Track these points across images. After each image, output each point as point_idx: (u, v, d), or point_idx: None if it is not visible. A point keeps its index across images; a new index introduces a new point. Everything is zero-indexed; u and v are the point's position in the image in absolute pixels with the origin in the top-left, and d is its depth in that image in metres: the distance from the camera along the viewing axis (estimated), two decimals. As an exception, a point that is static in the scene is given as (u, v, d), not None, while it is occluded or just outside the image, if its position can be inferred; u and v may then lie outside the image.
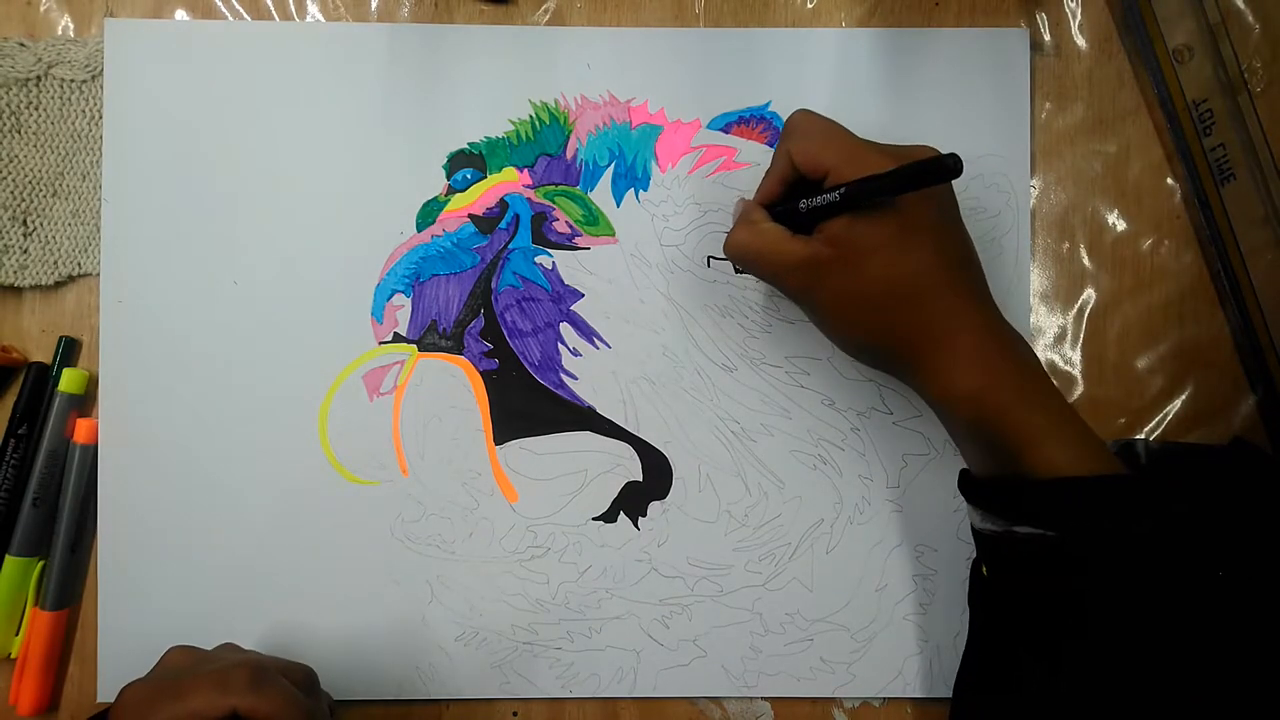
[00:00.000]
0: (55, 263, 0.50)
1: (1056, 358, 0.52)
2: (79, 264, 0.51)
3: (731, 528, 0.51)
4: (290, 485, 0.50)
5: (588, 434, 0.51)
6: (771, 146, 0.51)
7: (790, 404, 0.51)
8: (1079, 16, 0.52)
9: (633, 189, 0.51)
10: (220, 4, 0.51)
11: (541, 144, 0.51)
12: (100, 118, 0.50)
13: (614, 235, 0.51)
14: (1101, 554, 0.37)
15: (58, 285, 0.51)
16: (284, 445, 0.50)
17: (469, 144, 0.51)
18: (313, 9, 0.51)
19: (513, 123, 0.51)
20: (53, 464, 0.49)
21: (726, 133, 0.51)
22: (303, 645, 0.50)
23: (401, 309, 0.51)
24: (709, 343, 0.51)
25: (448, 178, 0.51)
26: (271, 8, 0.51)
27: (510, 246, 0.51)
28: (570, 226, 0.51)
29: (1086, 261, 0.52)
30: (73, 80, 0.50)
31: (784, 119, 0.51)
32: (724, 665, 0.51)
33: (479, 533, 0.51)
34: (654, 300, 0.51)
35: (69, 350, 0.50)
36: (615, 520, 0.51)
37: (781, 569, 0.51)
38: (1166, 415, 0.52)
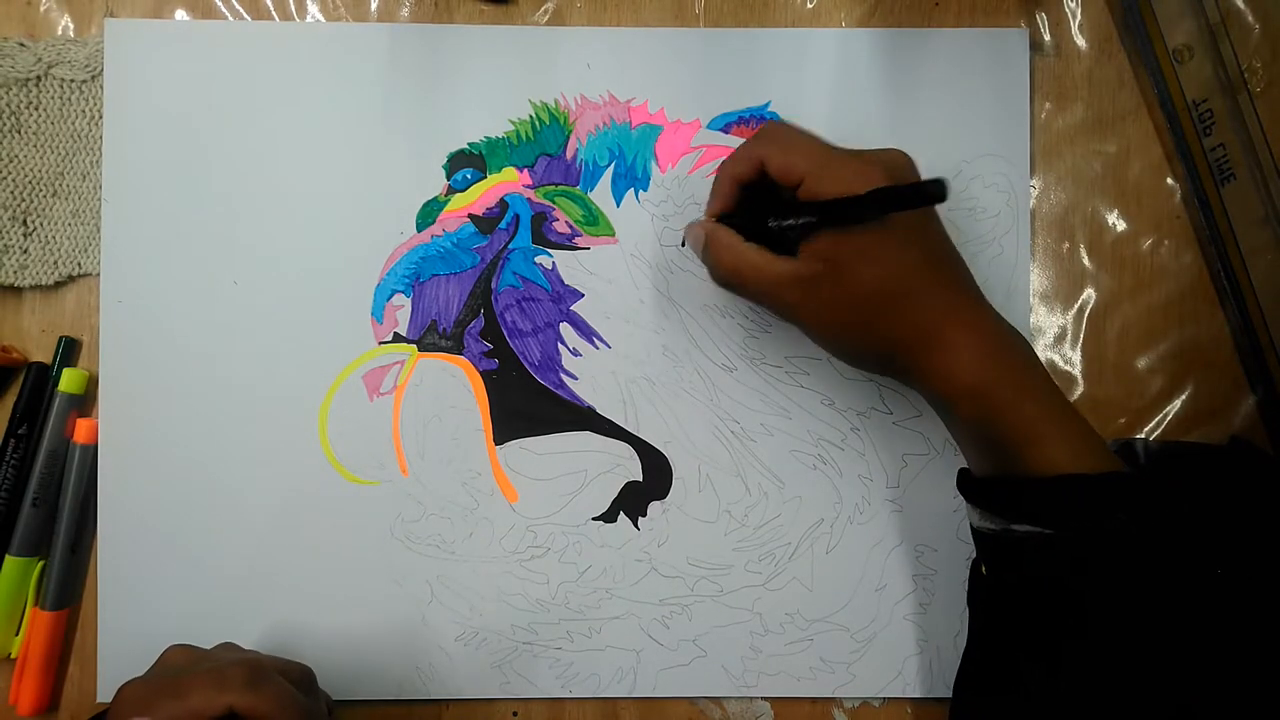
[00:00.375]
0: (55, 263, 0.50)
1: (1056, 358, 0.52)
2: (79, 264, 0.51)
3: (731, 528, 0.51)
4: (290, 485, 0.50)
5: (588, 434, 0.51)
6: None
7: (790, 404, 0.51)
8: (1079, 16, 0.52)
9: (633, 189, 0.51)
10: (220, 4, 0.51)
11: (541, 144, 0.51)
12: (100, 118, 0.50)
13: (614, 235, 0.51)
14: (1100, 552, 0.37)
15: (58, 285, 0.51)
16: (284, 445, 0.50)
17: (469, 144, 0.51)
18: (313, 9, 0.51)
19: (513, 123, 0.51)
20: (53, 464, 0.49)
21: (726, 133, 0.51)
22: (303, 645, 0.50)
23: (401, 309, 0.51)
24: (709, 343, 0.51)
25: (448, 178, 0.51)
26: (271, 8, 0.51)
27: (510, 246, 0.51)
28: (570, 226, 0.51)
29: (1086, 261, 0.52)
30: (73, 80, 0.50)
31: (784, 119, 0.51)
32: (724, 665, 0.51)
33: (479, 533, 0.51)
34: (654, 300, 0.51)
35: (69, 350, 0.50)
36: (615, 520, 0.51)
37: (781, 569, 0.51)
38: (1166, 415, 0.52)
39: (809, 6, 0.52)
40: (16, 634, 0.50)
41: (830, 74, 0.51)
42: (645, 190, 0.51)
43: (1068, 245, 0.52)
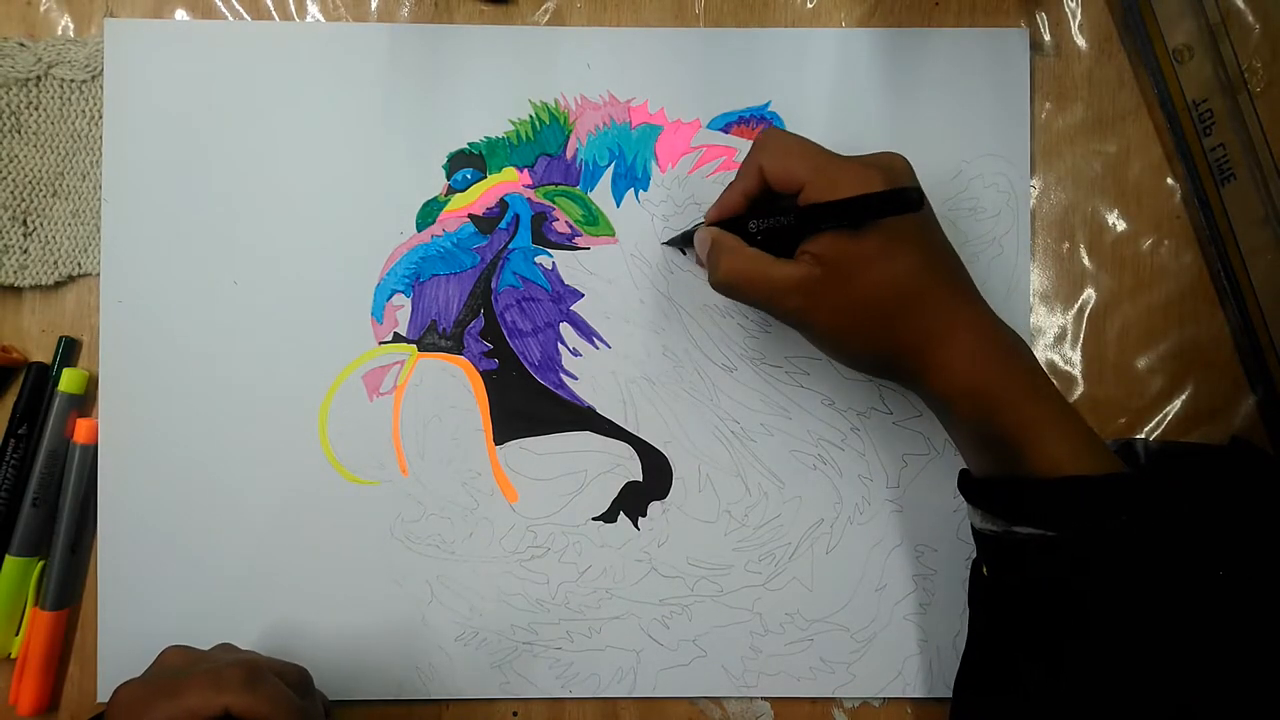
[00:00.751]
0: (55, 263, 0.50)
1: (1056, 358, 0.52)
2: (79, 264, 0.51)
3: (731, 528, 0.51)
4: (290, 485, 0.50)
5: (588, 434, 0.51)
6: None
7: (790, 404, 0.51)
8: (1079, 16, 0.52)
9: (633, 189, 0.51)
10: (220, 4, 0.51)
11: (541, 144, 0.51)
12: (100, 118, 0.50)
13: (614, 235, 0.51)
14: (1102, 553, 0.37)
15: (58, 285, 0.51)
16: (284, 445, 0.50)
17: (469, 144, 0.51)
18: (313, 9, 0.51)
19: (513, 123, 0.51)
20: (53, 464, 0.49)
21: (726, 133, 0.51)
22: (303, 645, 0.50)
23: (401, 309, 0.51)
24: (709, 343, 0.51)
25: (448, 178, 0.51)
26: (271, 8, 0.51)
27: (510, 246, 0.51)
28: (570, 226, 0.51)
29: (1086, 261, 0.52)
30: (73, 80, 0.50)
31: (784, 119, 0.51)
32: (724, 665, 0.51)
33: (479, 533, 0.51)
34: (654, 300, 0.51)
35: (69, 350, 0.50)
36: (615, 520, 0.51)
37: (781, 569, 0.51)
38: (1166, 415, 0.52)
39: (809, 6, 0.52)
40: (16, 634, 0.50)
41: (830, 74, 0.51)
42: (645, 190, 0.51)
43: (1068, 245, 0.52)
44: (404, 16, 0.51)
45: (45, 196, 0.51)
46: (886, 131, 0.51)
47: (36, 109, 0.50)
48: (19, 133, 0.50)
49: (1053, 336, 0.52)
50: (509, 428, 0.51)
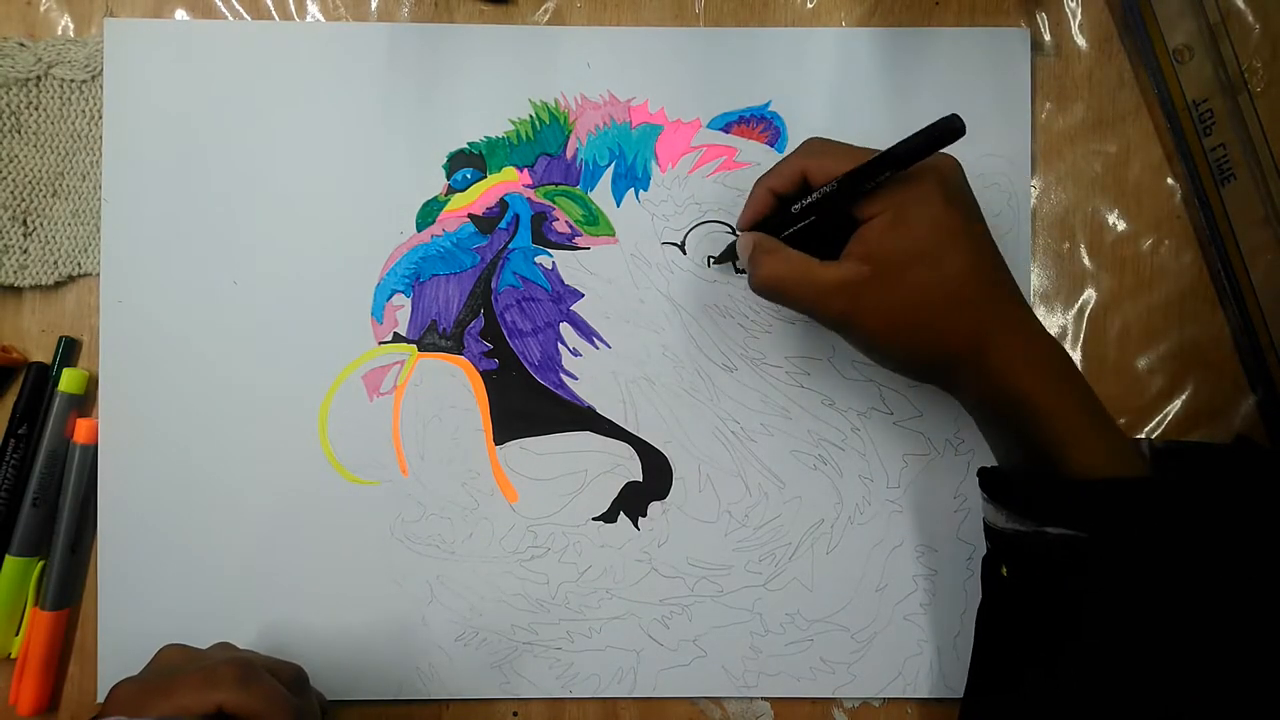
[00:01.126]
0: (55, 263, 0.50)
1: (1056, 358, 0.52)
2: (79, 264, 0.51)
3: (731, 528, 0.51)
4: (290, 485, 0.50)
5: (588, 434, 0.51)
6: (771, 146, 0.51)
7: (790, 404, 0.51)
8: (1079, 16, 0.52)
9: (633, 189, 0.51)
10: (220, 4, 0.51)
11: (541, 144, 0.51)
12: (100, 118, 0.50)
13: (614, 235, 0.51)
14: (1134, 555, 0.37)
15: (58, 285, 0.51)
16: (284, 445, 0.50)
17: (469, 144, 0.51)
18: (313, 9, 0.51)
19: (513, 122, 0.51)
20: (53, 464, 0.49)
21: (727, 132, 0.51)
22: (303, 645, 0.50)
23: (401, 309, 0.51)
24: (709, 343, 0.51)
25: (448, 177, 0.51)
26: (271, 8, 0.51)
27: (510, 246, 0.51)
28: (570, 226, 0.51)
29: (1086, 261, 0.52)
30: (73, 80, 0.50)
31: (784, 119, 0.51)
32: (724, 665, 0.51)
33: (479, 533, 0.51)
34: (654, 300, 0.51)
35: (69, 350, 0.50)
36: (615, 520, 0.51)
37: (781, 569, 0.51)
38: (1166, 415, 0.52)
39: (809, 6, 0.52)
40: (16, 634, 0.50)
41: (830, 74, 0.51)
42: (645, 190, 0.51)
43: (1068, 245, 0.52)
44: (404, 16, 0.51)
45: (45, 196, 0.51)
46: (886, 131, 0.51)
47: (36, 109, 0.50)
48: (19, 133, 0.50)
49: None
50: (509, 428, 0.51)
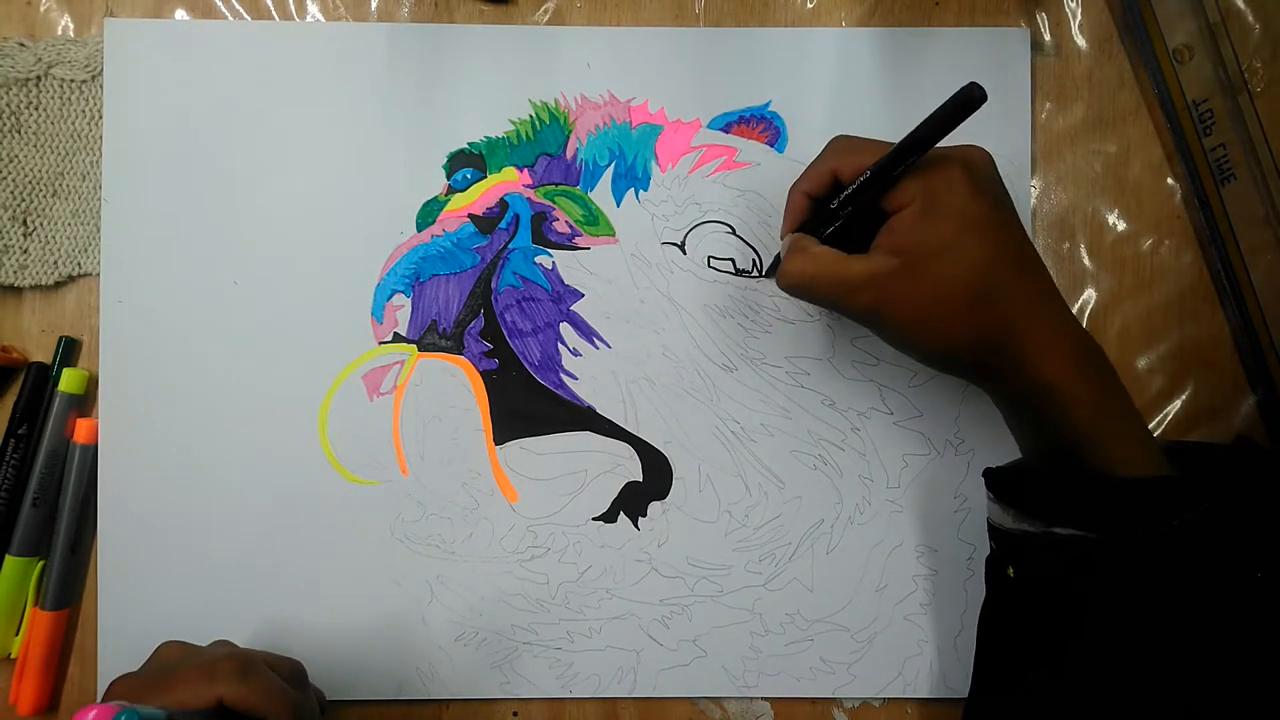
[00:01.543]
0: (55, 263, 0.50)
1: (1056, 358, 0.52)
2: (79, 264, 0.51)
3: (731, 528, 0.51)
4: (290, 485, 0.50)
5: (588, 434, 0.51)
6: (771, 146, 0.51)
7: (790, 404, 0.51)
8: (1079, 16, 0.52)
9: (633, 189, 0.51)
10: (220, 4, 0.51)
11: (541, 144, 0.51)
12: (100, 118, 0.50)
13: (614, 235, 0.51)
14: (1148, 555, 0.37)
15: (58, 285, 0.51)
16: (284, 445, 0.50)
17: (469, 144, 0.51)
18: (313, 9, 0.51)
19: (513, 122, 0.51)
20: (53, 464, 0.49)
21: (727, 132, 0.51)
22: (303, 645, 0.50)
23: (401, 309, 0.51)
24: (709, 343, 0.51)
25: (448, 177, 0.51)
26: (271, 8, 0.51)
27: (510, 246, 0.51)
28: (570, 226, 0.51)
29: (1086, 261, 0.52)
30: (73, 80, 0.50)
31: (784, 119, 0.51)
32: (724, 665, 0.51)
33: (479, 533, 0.51)
34: (654, 300, 0.51)
35: (69, 350, 0.50)
36: (615, 520, 0.51)
37: (781, 569, 0.51)
38: (1166, 415, 0.52)
39: (809, 6, 0.52)
40: (16, 634, 0.50)
41: (830, 74, 0.51)
42: (645, 190, 0.51)
43: (1068, 245, 0.52)
44: (404, 16, 0.51)
45: (45, 196, 0.51)
46: (886, 131, 0.50)
47: (36, 109, 0.50)
48: (19, 133, 0.50)
49: (1053, 336, 0.52)
50: (509, 428, 0.51)
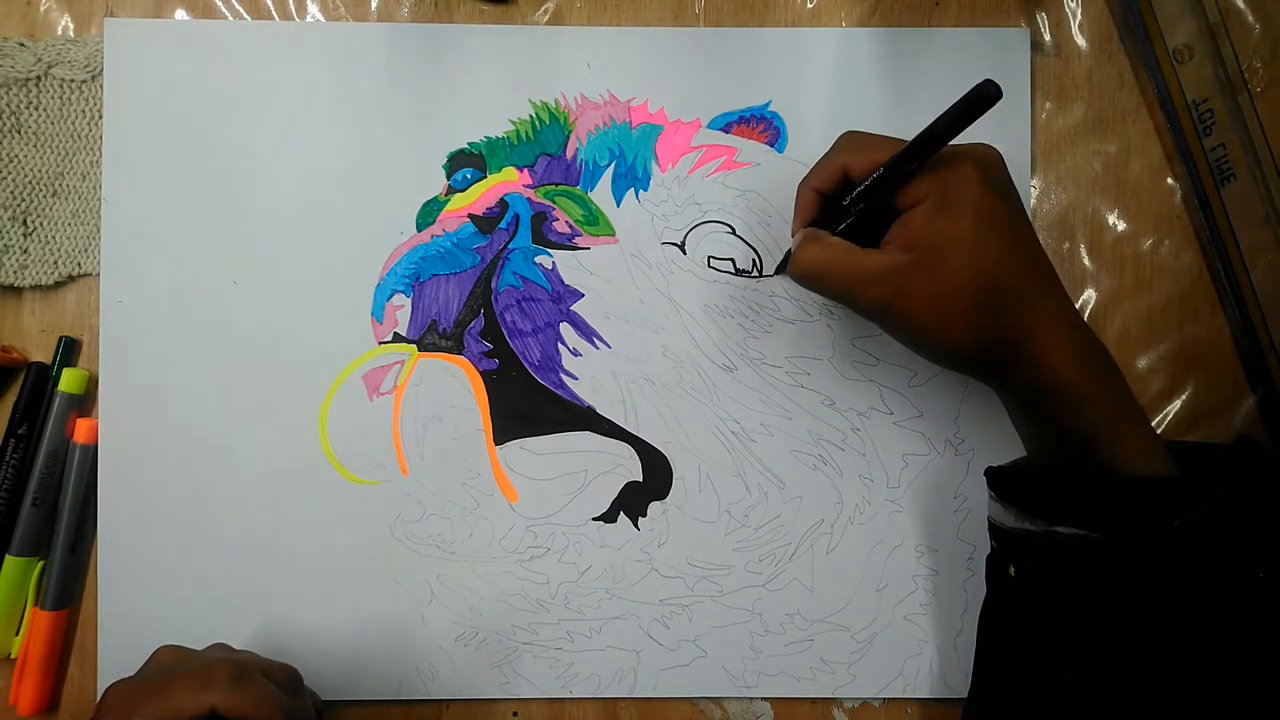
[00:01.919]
0: (55, 263, 0.50)
1: (1056, 358, 0.52)
2: (79, 264, 0.51)
3: (732, 528, 0.51)
4: (290, 485, 0.50)
5: (588, 434, 0.51)
6: (771, 146, 0.51)
7: (790, 404, 0.51)
8: (1079, 16, 0.52)
9: (633, 189, 0.51)
10: (220, 4, 0.51)
11: (541, 144, 0.51)
12: (100, 118, 0.50)
13: (614, 235, 0.51)
14: (1150, 554, 0.37)
15: (58, 285, 0.51)
16: (284, 445, 0.50)
17: (469, 144, 0.51)
18: (313, 9, 0.51)
19: (513, 122, 0.51)
20: (53, 464, 0.49)
21: (727, 132, 0.51)
22: (303, 645, 0.50)
23: (401, 309, 0.51)
24: (709, 343, 0.51)
25: (448, 178, 0.51)
26: (271, 8, 0.51)
27: (510, 246, 0.51)
28: (570, 226, 0.51)
29: (1086, 261, 0.52)
30: (73, 80, 0.50)
31: (784, 119, 0.51)
32: (724, 665, 0.51)
33: (479, 533, 0.51)
34: (654, 300, 0.51)
35: (69, 350, 0.50)
36: (615, 520, 0.51)
37: (781, 569, 0.51)
38: (1166, 415, 0.52)
39: (809, 6, 0.52)
40: (16, 634, 0.50)
41: (830, 74, 0.51)
42: (645, 190, 0.51)
43: (1068, 245, 0.52)
44: (404, 16, 0.51)
45: (45, 196, 0.51)
46: (887, 131, 0.51)
47: (36, 109, 0.50)
48: (19, 133, 0.50)
49: (1053, 336, 0.52)
50: (509, 428, 0.51)
